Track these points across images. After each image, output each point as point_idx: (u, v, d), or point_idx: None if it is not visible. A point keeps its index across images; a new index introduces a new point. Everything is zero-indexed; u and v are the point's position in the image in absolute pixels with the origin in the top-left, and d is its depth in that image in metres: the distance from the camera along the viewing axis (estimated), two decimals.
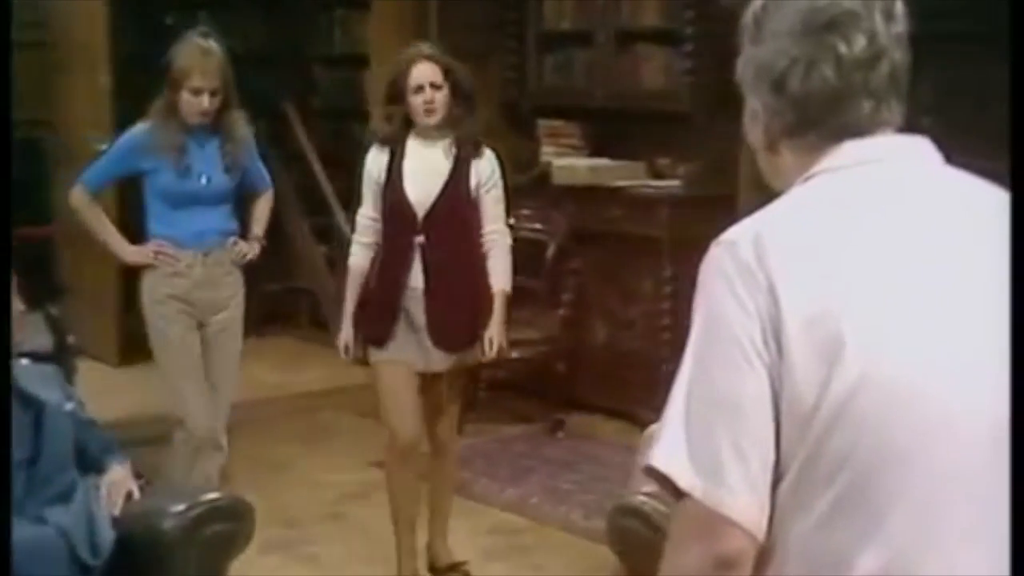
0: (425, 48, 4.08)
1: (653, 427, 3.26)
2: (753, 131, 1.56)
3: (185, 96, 4.04)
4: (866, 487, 1.36)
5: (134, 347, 6.68)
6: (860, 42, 1.45)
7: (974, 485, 1.38)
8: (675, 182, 5.88)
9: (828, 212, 1.44)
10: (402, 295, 4.00)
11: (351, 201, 6.94)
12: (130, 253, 4.25)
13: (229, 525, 3.16)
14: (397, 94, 3.99)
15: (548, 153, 6.31)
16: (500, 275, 4.09)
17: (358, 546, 4.52)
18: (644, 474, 1.44)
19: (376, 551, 4.39)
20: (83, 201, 4.24)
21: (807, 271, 1.39)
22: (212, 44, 4.10)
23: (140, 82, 7.37)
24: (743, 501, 1.37)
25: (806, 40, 1.47)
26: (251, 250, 4.33)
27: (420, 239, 3.98)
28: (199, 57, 4.04)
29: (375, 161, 4.07)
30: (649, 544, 2.96)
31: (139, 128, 4.15)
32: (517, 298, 4.34)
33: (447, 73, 3.98)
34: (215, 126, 4.14)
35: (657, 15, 6.05)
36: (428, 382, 4.11)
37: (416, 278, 3.99)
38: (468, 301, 4.06)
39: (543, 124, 6.45)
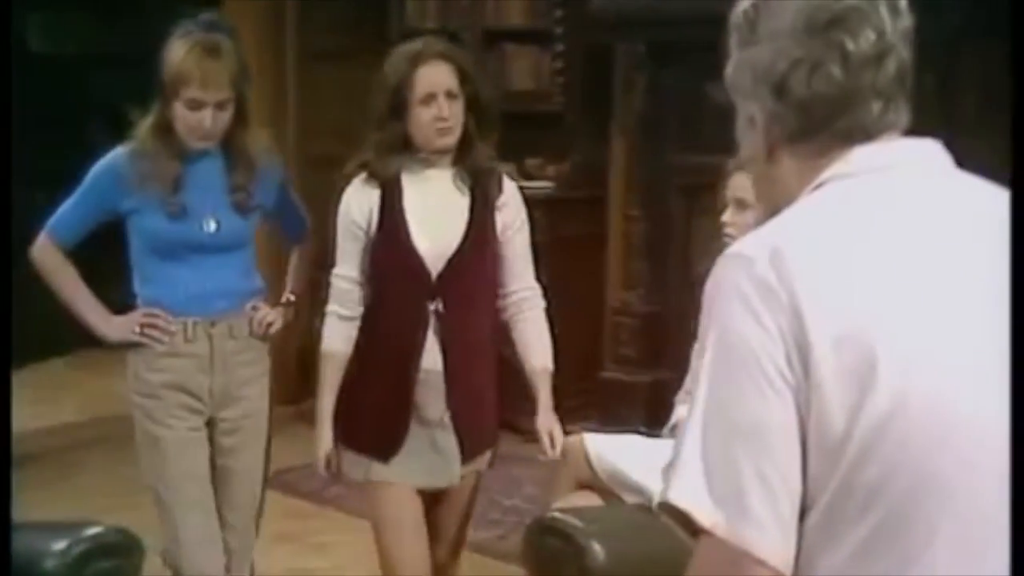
0: (435, 43, 3.02)
1: (573, 437, 3.20)
2: (749, 139, 1.46)
3: (180, 111, 2.97)
4: (906, 516, 1.27)
5: None
6: (868, 38, 1.37)
7: (1007, 502, 1.30)
8: (547, 183, 5.81)
9: (846, 223, 1.35)
10: (415, 383, 2.99)
11: None
12: (114, 326, 3.11)
13: (116, 562, 2.94)
14: (398, 108, 2.94)
15: None
16: (540, 347, 3.11)
17: None
18: (659, 511, 1.33)
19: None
20: (50, 257, 3.10)
21: (832, 287, 1.29)
22: (221, 40, 2.97)
23: None
24: (770, 537, 1.27)
25: (809, 39, 1.38)
26: (277, 318, 3.19)
27: (436, 305, 2.97)
28: (200, 58, 2.93)
29: (360, 202, 2.99)
30: (569, 563, 2.86)
31: (117, 154, 3.07)
32: None
33: (464, 79, 2.97)
34: (225, 151, 3.08)
35: (522, 15, 5.99)
36: (427, 499, 3.15)
37: (431, 358, 2.97)
38: (492, 387, 3.13)
39: None
